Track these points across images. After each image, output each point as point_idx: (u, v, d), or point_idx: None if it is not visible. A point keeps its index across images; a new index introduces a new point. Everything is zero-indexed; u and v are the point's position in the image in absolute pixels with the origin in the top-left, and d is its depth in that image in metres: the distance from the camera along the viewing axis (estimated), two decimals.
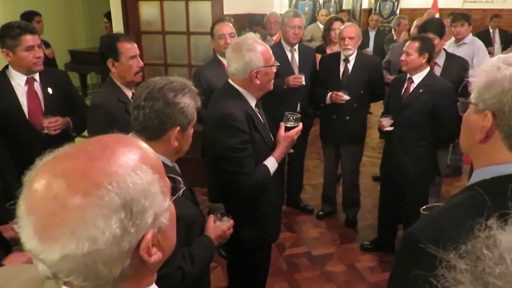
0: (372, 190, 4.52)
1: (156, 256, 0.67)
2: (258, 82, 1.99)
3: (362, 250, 3.54)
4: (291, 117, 2.12)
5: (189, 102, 1.45)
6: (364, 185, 4.38)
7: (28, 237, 0.61)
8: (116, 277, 0.64)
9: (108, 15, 5.16)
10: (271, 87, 2.10)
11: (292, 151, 2.22)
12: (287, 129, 2.10)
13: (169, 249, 0.74)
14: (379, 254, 3.46)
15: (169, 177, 0.74)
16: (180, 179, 0.82)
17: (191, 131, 1.52)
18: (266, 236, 2.24)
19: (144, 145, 0.71)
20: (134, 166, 0.65)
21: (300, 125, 2.12)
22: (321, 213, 4.06)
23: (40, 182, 0.62)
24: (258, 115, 2.11)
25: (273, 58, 2.03)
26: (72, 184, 0.60)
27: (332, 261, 3.42)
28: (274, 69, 2.05)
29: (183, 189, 0.80)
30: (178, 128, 1.44)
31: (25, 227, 0.61)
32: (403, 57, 2.91)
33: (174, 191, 0.74)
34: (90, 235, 0.59)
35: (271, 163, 2.04)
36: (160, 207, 0.67)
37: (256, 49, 1.95)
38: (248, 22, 4.60)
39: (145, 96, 1.42)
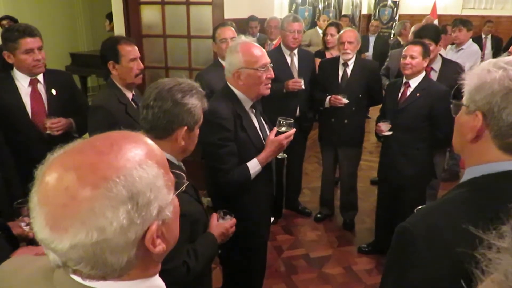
0: (370, 194, 4.55)
1: (160, 247, 0.70)
2: (241, 83, 2.06)
3: (360, 253, 3.57)
4: (283, 122, 2.13)
5: (196, 103, 1.50)
6: (362, 189, 4.42)
7: (40, 227, 0.64)
8: (122, 266, 0.67)
9: (107, 16, 5.22)
10: (264, 91, 2.10)
11: (285, 155, 2.23)
12: (280, 134, 2.10)
13: (172, 241, 0.77)
14: (376, 257, 3.48)
15: (173, 173, 0.77)
16: (184, 174, 0.85)
17: (197, 131, 1.57)
18: (253, 237, 2.22)
19: (149, 141, 0.75)
20: (140, 160, 0.68)
21: (292, 130, 2.12)
22: (319, 216, 4.10)
23: (52, 175, 0.65)
24: (251, 116, 2.15)
25: (261, 62, 2.03)
26: (82, 177, 0.63)
27: (330, 263, 3.45)
28: (262, 74, 2.04)
29: (186, 184, 0.83)
30: (186, 128, 1.48)
31: (37, 218, 0.65)
32: (407, 61, 2.93)
33: (177, 186, 0.77)
34: (99, 225, 0.62)
35: (253, 165, 2.06)
36: (165, 200, 0.70)
37: (238, 51, 2.03)
38: (246, 22, 4.66)
39: (154, 97, 1.46)
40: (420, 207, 1.40)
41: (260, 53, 2.05)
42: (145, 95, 1.51)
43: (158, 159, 0.72)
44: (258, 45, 2.10)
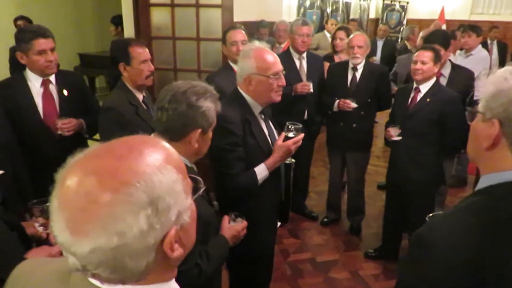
0: (377, 198, 4.55)
1: (178, 252, 0.70)
2: (252, 88, 2.05)
3: (366, 258, 3.56)
4: (292, 127, 2.10)
5: (210, 106, 1.51)
6: (369, 193, 4.40)
7: (60, 231, 0.65)
8: (141, 270, 0.68)
9: (113, 21, 5.22)
10: (275, 98, 2.09)
11: (293, 161, 2.20)
12: (288, 139, 2.07)
13: (189, 245, 0.77)
14: (383, 262, 3.48)
15: (190, 177, 0.77)
16: (200, 179, 0.85)
17: (210, 134, 1.58)
18: (260, 241, 2.18)
19: (168, 146, 0.75)
20: (160, 165, 0.68)
21: (301, 135, 2.09)
22: (325, 220, 4.09)
23: (72, 179, 0.65)
24: (260, 122, 2.15)
25: (273, 70, 2.03)
26: (103, 182, 0.64)
27: (336, 268, 3.44)
28: (273, 81, 2.03)
29: (203, 189, 0.83)
30: (200, 130, 1.49)
31: (57, 222, 0.65)
32: (418, 66, 2.92)
33: (194, 190, 0.77)
34: (119, 230, 0.63)
35: (260, 170, 2.04)
36: (183, 205, 0.70)
37: (251, 56, 2.02)
38: (256, 26, 4.66)
39: (169, 99, 1.48)
40: (431, 214, 1.41)
41: (273, 60, 2.04)
42: (160, 97, 1.52)
43: (177, 163, 0.72)
44: (271, 51, 2.09)
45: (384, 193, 4.37)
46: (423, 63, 2.91)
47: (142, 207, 0.64)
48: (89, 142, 2.83)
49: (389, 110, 3.50)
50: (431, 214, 1.44)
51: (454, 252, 0.90)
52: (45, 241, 1.64)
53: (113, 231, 0.62)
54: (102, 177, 0.64)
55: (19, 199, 2.25)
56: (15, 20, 5.23)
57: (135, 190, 0.64)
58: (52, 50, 2.49)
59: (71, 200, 0.64)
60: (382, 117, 6.51)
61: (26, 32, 2.43)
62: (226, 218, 1.78)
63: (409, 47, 5.87)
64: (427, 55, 2.91)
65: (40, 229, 1.62)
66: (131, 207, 0.63)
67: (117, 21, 5.15)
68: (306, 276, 3.33)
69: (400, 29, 9.59)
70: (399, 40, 8.70)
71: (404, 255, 1.02)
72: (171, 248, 0.69)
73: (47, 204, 1.63)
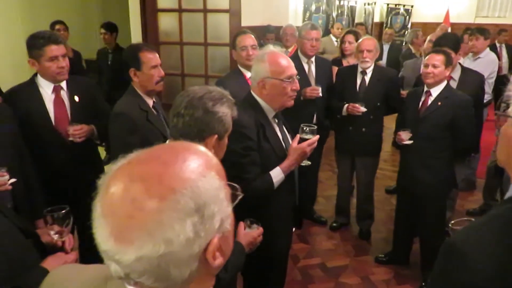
0: (386, 203, 4.52)
1: (219, 260, 0.69)
2: (265, 92, 2.04)
3: (377, 263, 3.53)
4: (307, 129, 2.09)
5: (226, 112, 1.50)
6: (377, 198, 4.37)
7: (104, 238, 0.63)
8: (184, 279, 0.66)
9: (105, 26, 5.18)
10: (287, 103, 2.08)
11: (309, 163, 2.17)
12: (303, 141, 2.05)
13: (228, 253, 0.75)
14: (394, 267, 3.45)
15: (228, 184, 0.75)
16: (238, 186, 0.84)
17: (226, 140, 1.56)
18: (275, 247, 2.16)
19: (207, 151, 0.73)
20: (204, 171, 0.67)
21: (316, 137, 2.07)
22: (334, 224, 4.06)
23: (118, 185, 0.64)
24: (274, 126, 2.13)
25: (287, 73, 2.02)
26: (150, 188, 0.62)
27: (347, 273, 3.42)
28: (287, 85, 2.02)
29: (241, 196, 0.82)
30: (216, 136, 1.48)
31: (101, 229, 0.63)
32: (429, 70, 2.90)
33: (233, 197, 0.76)
34: (166, 238, 0.61)
35: (276, 173, 2.02)
36: (225, 212, 0.69)
37: (265, 60, 2.02)
38: (262, 31, 4.66)
39: (185, 105, 1.46)
40: (453, 221, 1.38)
41: (287, 64, 2.03)
42: (176, 103, 1.51)
43: (218, 169, 0.71)
44: (285, 55, 2.08)
45: (392, 197, 4.36)
46: (434, 66, 2.89)
47: (189, 214, 0.63)
48: (100, 148, 2.82)
49: (395, 114, 3.48)
50: (453, 221, 1.42)
51: (488, 261, 0.87)
52: (60, 249, 1.62)
53: (160, 239, 0.61)
54: (149, 183, 0.63)
55: (30, 206, 2.24)
56: (53, 24, 5.09)
57: (182, 196, 0.62)
58: (64, 56, 2.48)
59: (117, 207, 0.63)
60: (388, 121, 6.50)
61: (38, 38, 2.42)
62: (241, 225, 1.76)
63: (413, 51, 5.84)
64: (438, 59, 2.89)
65: (56, 237, 1.61)
66: (178, 214, 0.62)
67: (110, 27, 5.11)
68: (317, 281, 3.31)
69: (404, 32, 9.57)
70: (404, 44, 8.69)
71: (434, 266, 0.99)
72: (213, 257, 0.67)
73: (62, 212, 1.62)
